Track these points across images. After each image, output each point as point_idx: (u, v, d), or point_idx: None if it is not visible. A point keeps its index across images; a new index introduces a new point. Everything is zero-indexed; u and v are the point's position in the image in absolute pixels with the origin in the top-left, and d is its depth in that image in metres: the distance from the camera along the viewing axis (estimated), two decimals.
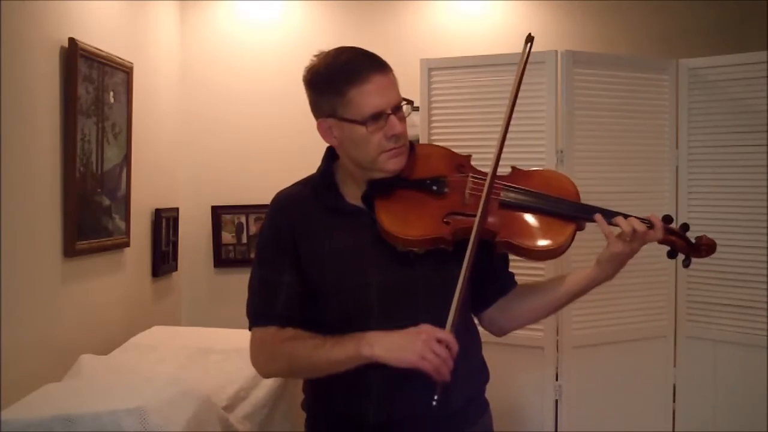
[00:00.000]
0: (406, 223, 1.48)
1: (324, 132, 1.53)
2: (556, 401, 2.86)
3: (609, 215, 1.52)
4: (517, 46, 3.95)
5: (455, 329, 1.39)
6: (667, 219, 1.55)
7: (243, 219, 3.65)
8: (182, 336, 2.90)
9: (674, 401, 2.98)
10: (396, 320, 1.47)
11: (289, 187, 1.63)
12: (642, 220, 1.52)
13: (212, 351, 2.62)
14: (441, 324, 1.40)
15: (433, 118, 2.95)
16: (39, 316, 2.34)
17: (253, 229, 3.64)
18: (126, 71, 2.91)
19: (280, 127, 3.66)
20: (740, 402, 2.83)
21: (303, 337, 1.50)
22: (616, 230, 1.51)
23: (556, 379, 2.85)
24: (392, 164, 1.50)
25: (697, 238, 1.56)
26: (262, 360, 1.57)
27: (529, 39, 1.59)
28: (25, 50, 2.27)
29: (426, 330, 1.38)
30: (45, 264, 2.38)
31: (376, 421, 1.51)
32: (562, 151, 2.80)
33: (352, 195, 1.56)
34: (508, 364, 2.84)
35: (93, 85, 2.63)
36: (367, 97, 1.45)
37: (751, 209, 2.78)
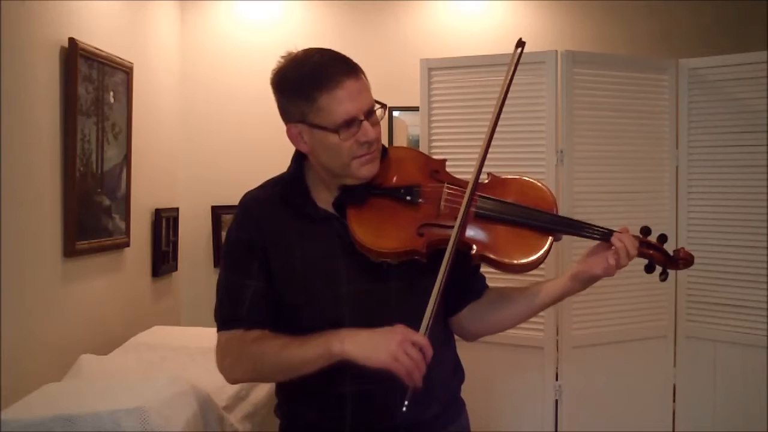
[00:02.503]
0: (380, 235, 1.43)
1: (294, 138, 1.48)
2: (556, 401, 2.85)
3: (600, 232, 1.49)
4: None
5: (429, 334, 1.34)
6: (645, 231, 1.52)
7: None
8: (182, 336, 2.90)
9: (674, 401, 2.97)
10: None
11: (258, 188, 1.58)
12: (611, 232, 1.48)
13: (212, 351, 2.61)
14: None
15: (433, 118, 2.94)
16: (39, 316, 2.34)
17: None
18: (126, 71, 2.91)
19: (280, 127, 3.62)
20: (740, 402, 2.83)
21: (269, 337, 1.46)
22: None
23: (556, 379, 2.85)
24: (365, 171, 1.44)
25: (675, 251, 1.52)
26: (227, 364, 1.52)
27: (520, 44, 1.54)
28: (25, 50, 2.27)
29: (401, 331, 1.32)
30: (45, 264, 2.38)
31: (348, 423, 1.47)
32: (562, 151, 2.80)
33: (323, 200, 1.50)
34: (508, 364, 2.84)
35: (93, 85, 2.63)
36: (339, 103, 1.39)
37: (751, 209, 2.78)
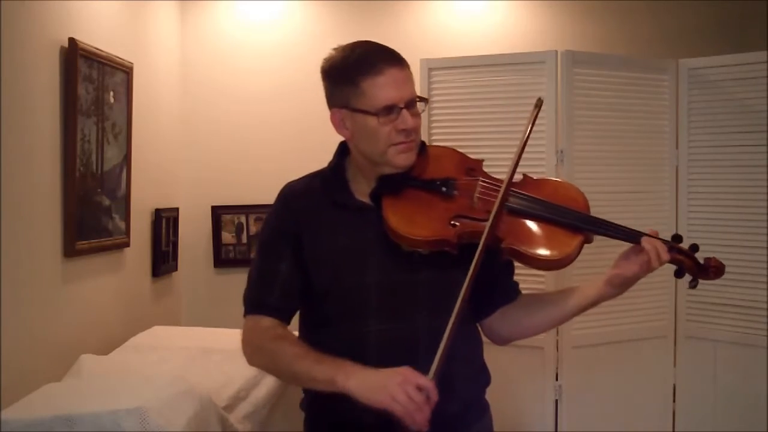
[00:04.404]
0: (413, 223, 1.47)
1: (337, 123, 1.54)
2: (556, 401, 2.86)
3: (632, 235, 1.51)
4: (517, 46, 3.96)
5: (453, 336, 1.36)
6: (677, 238, 1.54)
7: (243, 219, 3.65)
8: (182, 336, 2.90)
9: (674, 401, 2.98)
10: (394, 320, 1.47)
11: (298, 179, 1.63)
12: (641, 233, 1.50)
13: (212, 351, 2.62)
14: (438, 329, 1.37)
15: (433, 118, 2.94)
16: (39, 316, 2.34)
17: (253, 229, 3.64)
18: (126, 71, 2.91)
19: (280, 127, 3.66)
20: (740, 402, 2.83)
21: (289, 342, 1.49)
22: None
23: (556, 379, 2.85)
24: (401, 159, 1.50)
25: (706, 259, 1.54)
26: (249, 350, 1.57)
27: (538, 104, 1.58)
28: (25, 50, 2.27)
29: (405, 372, 1.34)
30: (45, 264, 2.38)
31: (372, 422, 1.48)
32: (562, 151, 2.80)
33: (361, 192, 1.55)
34: (508, 364, 2.83)
35: (93, 85, 2.63)
36: (380, 88, 1.46)
37: (751, 209, 2.78)
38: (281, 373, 1.55)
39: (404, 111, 1.47)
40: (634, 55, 3.47)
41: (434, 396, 1.33)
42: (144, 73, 3.13)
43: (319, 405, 1.59)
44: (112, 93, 2.79)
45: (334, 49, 1.54)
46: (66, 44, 2.47)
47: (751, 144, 2.80)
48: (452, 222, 1.48)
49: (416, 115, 1.50)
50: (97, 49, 2.65)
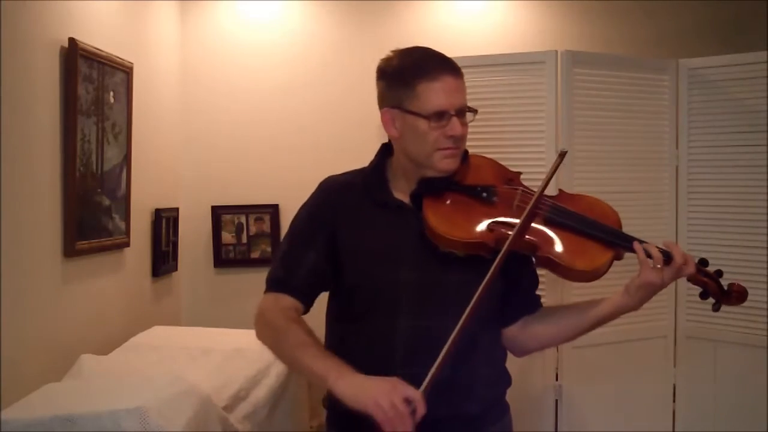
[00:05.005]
0: (453, 224, 1.51)
1: (386, 122, 1.57)
2: (556, 401, 2.85)
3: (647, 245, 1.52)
4: (517, 46, 3.96)
5: (470, 338, 1.38)
6: (703, 262, 1.57)
7: (243, 219, 3.65)
8: (182, 336, 2.90)
9: (674, 401, 2.97)
10: (420, 319, 1.49)
11: (340, 174, 1.66)
12: (668, 252, 1.51)
13: (212, 351, 2.62)
14: (464, 330, 1.39)
15: None
16: (39, 316, 2.34)
17: (253, 229, 3.64)
18: (126, 71, 2.91)
19: (280, 127, 3.65)
20: (740, 402, 2.83)
21: (301, 328, 1.50)
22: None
23: (556, 379, 2.85)
24: (445, 164, 1.53)
25: (729, 284, 1.58)
26: (261, 322, 1.58)
27: (562, 155, 1.62)
28: (25, 50, 2.27)
29: (394, 382, 1.35)
30: (45, 264, 2.38)
31: None
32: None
33: (401, 191, 1.58)
34: (508, 364, 2.81)
35: (93, 85, 2.63)
36: (435, 93, 1.49)
37: (751, 209, 2.78)
38: (282, 353, 1.56)
39: (454, 118, 1.50)
40: (634, 55, 3.47)
41: (421, 409, 1.33)
42: (144, 73, 3.13)
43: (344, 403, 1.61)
44: (112, 93, 2.79)
45: (393, 51, 1.58)
46: (66, 44, 2.47)
47: (751, 144, 2.79)
48: (490, 227, 1.52)
49: (465, 124, 1.54)
50: (97, 49, 2.65)
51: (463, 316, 1.40)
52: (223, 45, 3.69)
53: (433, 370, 1.36)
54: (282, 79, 3.65)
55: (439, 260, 1.51)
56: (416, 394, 1.34)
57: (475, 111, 1.57)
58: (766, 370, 2.73)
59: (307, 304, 1.58)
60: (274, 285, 1.59)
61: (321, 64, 3.67)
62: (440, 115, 1.49)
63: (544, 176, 1.58)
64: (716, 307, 1.60)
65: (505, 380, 1.70)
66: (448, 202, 1.55)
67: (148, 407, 1.84)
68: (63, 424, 1.80)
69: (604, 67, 2.89)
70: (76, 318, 2.56)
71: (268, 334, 1.56)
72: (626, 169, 2.90)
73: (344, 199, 1.59)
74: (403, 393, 1.33)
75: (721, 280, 1.58)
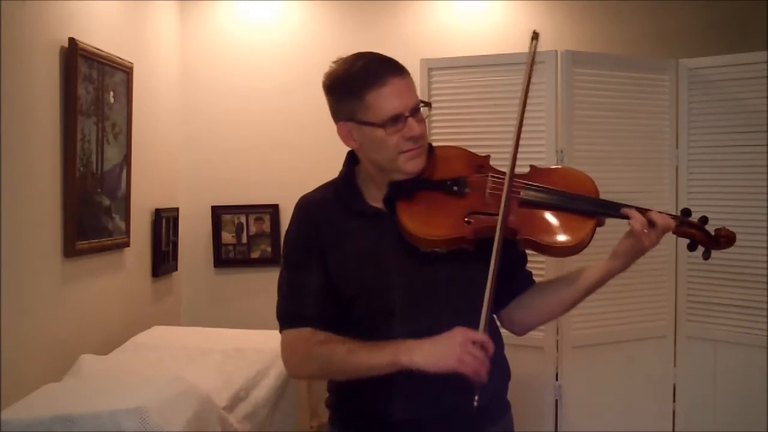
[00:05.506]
0: (428, 224, 1.50)
1: (344, 136, 1.56)
2: (556, 401, 2.86)
3: (624, 209, 1.56)
4: (517, 46, 3.96)
5: (488, 327, 1.40)
6: (686, 212, 1.57)
7: (243, 219, 3.65)
8: (182, 336, 2.90)
9: (674, 401, 2.97)
10: (418, 321, 1.49)
11: (313, 191, 1.65)
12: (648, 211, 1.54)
13: (212, 351, 2.62)
14: (465, 324, 1.41)
15: (433, 119, 2.94)
16: (39, 316, 2.34)
17: (253, 229, 3.64)
18: (126, 71, 2.91)
19: (280, 127, 3.65)
20: (740, 402, 2.83)
21: (336, 341, 1.50)
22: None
23: (556, 379, 2.85)
24: (411, 165, 1.53)
25: (717, 230, 1.57)
26: (295, 362, 1.58)
27: (535, 36, 1.61)
28: (25, 50, 2.27)
29: (461, 333, 1.39)
30: (45, 264, 2.38)
31: (401, 418, 1.53)
32: (562, 151, 2.80)
33: (374, 198, 1.58)
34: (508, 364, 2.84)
35: (93, 85, 2.63)
36: (385, 99, 1.48)
37: (751, 209, 2.78)
38: (336, 372, 1.55)
39: (410, 119, 1.49)
40: (634, 55, 3.47)
41: (490, 347, 1.38)
42: (144, 73, 3.13)
43: (346, 402, 1.62)
44: (112, 93, 2.79)
45: (334, 62, 1.57)
46: (66, 44, 2.47)
47: (751, 144, 2.80)
48: (467, 219, 1.51)
49: (421, 121, 1.52)
50: (97, 49, 2.65)
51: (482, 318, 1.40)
52: (223, 45, 3.69)
53: (484, 310, 1.40)
54: (282, 79, 3.65)
55: (425, 261, 1.51)
56: (483, 336, 1.38)
57: (429, 105, 1.57)
58: (766, 370, 2.73)
59: (327, 326, 1.56)
60: (289, 321, 1.58)
61: (321, 64, 3.60)
62: (395, 120, 1.48)
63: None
64: (706, 255, 1.58)
65: (506, 373, 1.72)
66: (420, 201, 1.53)
67: (148, 407, 1.84)
68: (63, 424, 1.80)
69: (604, 67, 2.90)
70: (76, 318, 2.56)
71: (310, 366, 1.56)
72: (626, 169, 2.90)
73: (323, 216, 1.58)
74: (472, 338, 1.38)
75: (707, 227, 1.58)
